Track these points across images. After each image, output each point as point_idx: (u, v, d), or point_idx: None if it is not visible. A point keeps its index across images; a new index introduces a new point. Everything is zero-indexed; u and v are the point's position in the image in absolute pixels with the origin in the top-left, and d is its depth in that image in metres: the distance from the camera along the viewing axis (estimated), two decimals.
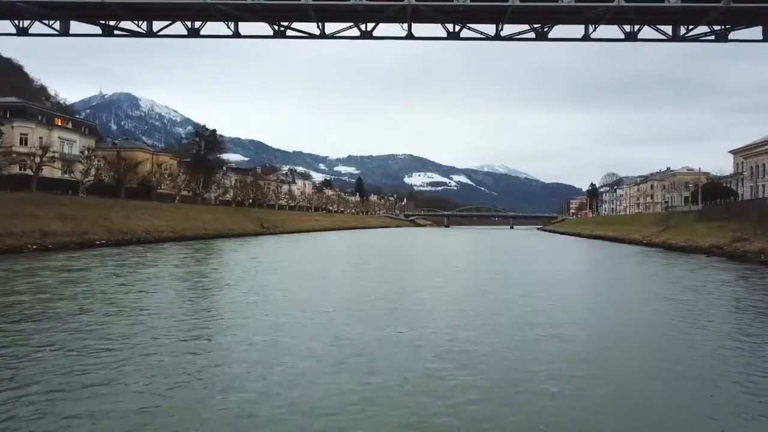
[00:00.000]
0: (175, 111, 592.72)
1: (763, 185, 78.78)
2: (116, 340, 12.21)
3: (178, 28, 24.63)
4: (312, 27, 22.85)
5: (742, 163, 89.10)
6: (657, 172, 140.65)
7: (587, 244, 73.61)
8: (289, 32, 23.50)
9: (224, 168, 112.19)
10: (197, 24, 24.41)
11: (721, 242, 48.21)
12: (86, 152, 63.78)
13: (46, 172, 59.85)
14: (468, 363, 11.02)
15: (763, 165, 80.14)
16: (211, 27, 24.60)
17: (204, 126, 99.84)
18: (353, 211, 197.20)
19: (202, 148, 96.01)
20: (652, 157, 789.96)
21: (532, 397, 9.10)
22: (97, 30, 25.79)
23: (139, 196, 70.57)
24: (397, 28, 20.19)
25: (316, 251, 49.49)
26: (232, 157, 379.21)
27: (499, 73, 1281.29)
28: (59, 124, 76.78)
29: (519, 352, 12.04)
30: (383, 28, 20.40)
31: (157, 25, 24.94)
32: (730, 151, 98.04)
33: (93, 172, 63.55)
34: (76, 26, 26.04)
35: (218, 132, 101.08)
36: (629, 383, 10.07)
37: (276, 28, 23.66)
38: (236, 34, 23.83)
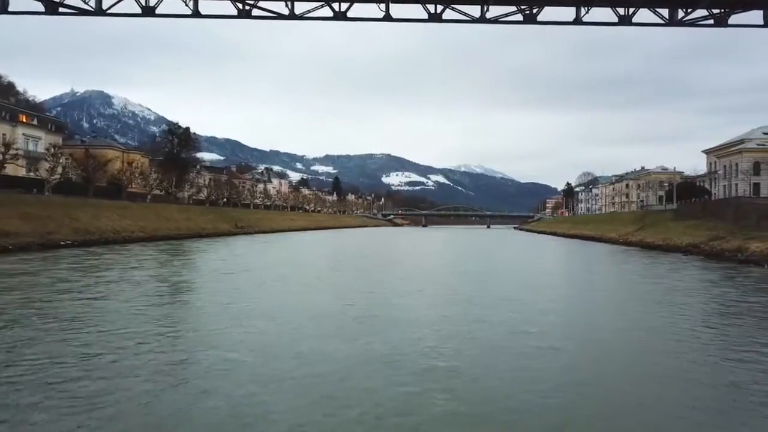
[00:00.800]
0: (149, 109, 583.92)
1: (736, 184, 79.71)
2: (38, 362, 10.51)
3: (131, 5, 23.02)
4: (281, 6, 21.37)
5: (716, 162, 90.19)
6: (632, 172, 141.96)
7: (565, 243, 73.53)
8: (255, 11, 21.87)
9: (198, 167, 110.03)
10: (152, 1, 22.77)
11: (698, 241, 48.33)
12: (52, 150, 61.46)
13: (9, 170, 57.50)
14: (453, 385, 9.70)
15: (736, 164, 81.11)
16: (169, 5, 23.02)
17: (177, 123, 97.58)
18: (330, 210, 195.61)
19: (175, 146, 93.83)
20: (626, 157, 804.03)
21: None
22: (40, 7, 23.74)
23: (109, 196, 68.52)
24: (374, 9, 18.64)
25: (289, 252, 47.63)
26: (208, 156, 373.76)
27: (476, 74, 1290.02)
28: (24, 120, 74.14)
29: (509, 368, 10.76)
30: (359, 9, 18.92)
31: (106, 2, 23.12)
32: (703, 151, 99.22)
33: (59, 170, 61.30)
34: (16, 3, 23.99)
35: (193, 130, 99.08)
36: (634, 406, 8.98)
37: (240, 6, 22.11)
38: (196, 14, 22.16)
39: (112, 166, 75.24)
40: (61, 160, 61.64)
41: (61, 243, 43.04)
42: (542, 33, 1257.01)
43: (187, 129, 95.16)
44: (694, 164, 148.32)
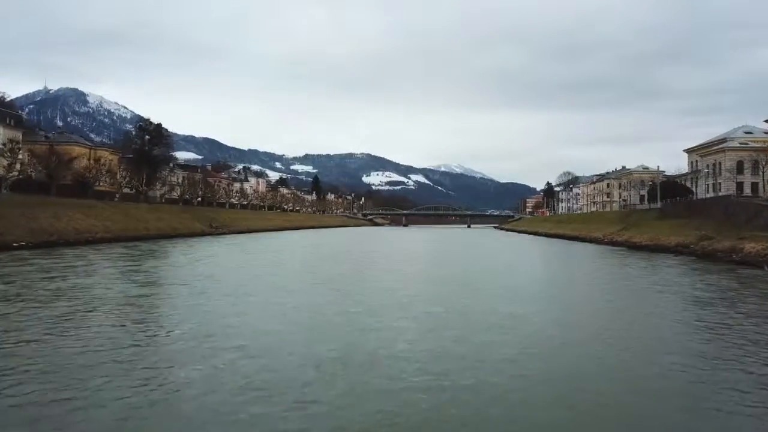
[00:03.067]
0: (125, 107, 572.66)
1: (720, 183, 78.94)
2: None
3: None
4: None
5: (698, 161, 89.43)
6: (613, 171, 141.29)
7: (549, 243, 71.82)
8: None
9: (171, 164, 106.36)
10: None
11: (687, 241, 46.91)
12: (10, 145, 57.88)
13: None
14: None
15: (719, 163, 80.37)
16: None
17: (148, 119, 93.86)
18: (310, 210, 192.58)
19: (146, 143, 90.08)
20: (603, 157, 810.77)
21: None
22: None
23: (74, 194, 65.28)
24: None
25: (258, 255, 43.99)
26: (186, 155, 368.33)
27: (456, 75, 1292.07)
28: None
29: None
30: None
31: None
32: (685, 150, 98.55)
33: (18, 166, 57.78)
34: None
35: (171, 129, 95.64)
36: None
37: None
38: None
39: (78, 163, 71.77)
40: (19, 156, 58.11)
41: (14, 244, 40.04)
42: (519, 34, 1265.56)
43: (159, 125, 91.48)
44: (673, 164, 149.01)
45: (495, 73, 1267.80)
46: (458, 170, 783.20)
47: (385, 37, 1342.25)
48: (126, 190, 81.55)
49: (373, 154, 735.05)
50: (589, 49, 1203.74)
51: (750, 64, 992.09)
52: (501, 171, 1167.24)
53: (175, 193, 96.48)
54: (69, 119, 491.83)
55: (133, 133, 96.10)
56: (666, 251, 46.24)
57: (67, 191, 64.83)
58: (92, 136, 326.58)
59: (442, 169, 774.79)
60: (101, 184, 74.43)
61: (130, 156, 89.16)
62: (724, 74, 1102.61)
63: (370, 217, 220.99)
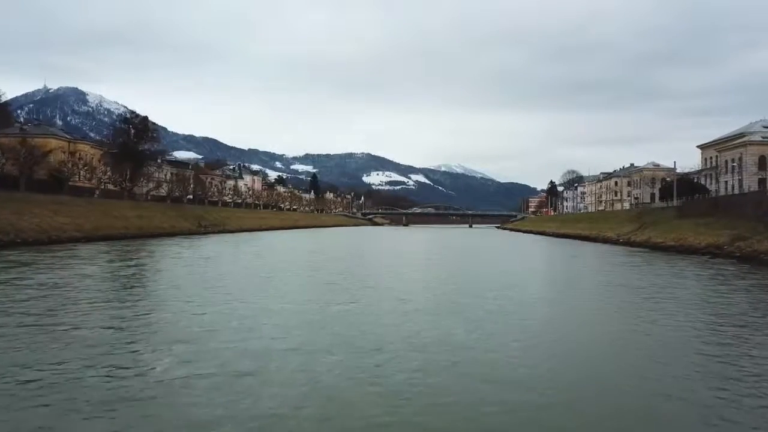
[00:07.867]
0: (125, 107, 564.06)
1: (740, 180, 74.23)
2: None
3: None
4: None
5: (715, 157, 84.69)
6: (621, 169, 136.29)
7: (559, 243, 66.78)
8: None
9: (159, 160, 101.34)
10: None
11: (719, 241, 42.08)
12: None
13: None
14: None
15: (740, 159, 75.71)
16: None
17: (134, 112, 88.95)
18: (308, 209, 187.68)
19: (131, 136, 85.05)
20: (602, 157, 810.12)
21: None
22: None
23: (49, 190, 60.47)
24: None
25: (236, 261, 36.00)
26: (186, 154, 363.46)
27: (457, 76, 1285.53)
28: None
29: None
30: None
31: None
32: (698, 146, 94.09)
33: None
34: None
35: (169, 128, 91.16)
36: None
37: None
38: None
39: (54, 157, 66.96)
40: None
41: None
42: (519, 35, 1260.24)
43: (145, 118, 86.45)
44: (680, 162, 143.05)
45: (495, 74, 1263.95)
46: (458, 170, 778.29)
47: (385, 38, 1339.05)
48: (110, 187, 76.81)
49: (373, 153, 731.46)
50: (589, 50, 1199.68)
51: (749, 65, 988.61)
52: (501, 171, 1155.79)
53: (163, 190, 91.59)
54: (69, 118, 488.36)
55: (119, 126, 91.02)
56: (695, 253, 41.42)
57: (40, 187, 60.10)
58: (92, 135, 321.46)
59: (443, 169, 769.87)
60: (80, 179, 69.63)
61: (115, 151, 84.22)
62: (722, 76, 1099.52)
63: (370, 216, 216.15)
